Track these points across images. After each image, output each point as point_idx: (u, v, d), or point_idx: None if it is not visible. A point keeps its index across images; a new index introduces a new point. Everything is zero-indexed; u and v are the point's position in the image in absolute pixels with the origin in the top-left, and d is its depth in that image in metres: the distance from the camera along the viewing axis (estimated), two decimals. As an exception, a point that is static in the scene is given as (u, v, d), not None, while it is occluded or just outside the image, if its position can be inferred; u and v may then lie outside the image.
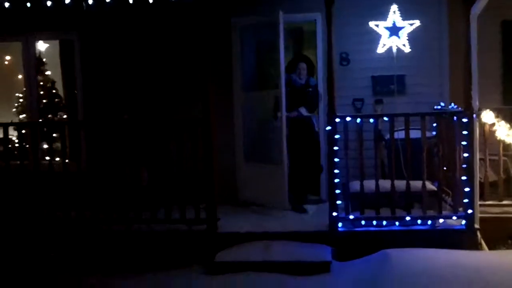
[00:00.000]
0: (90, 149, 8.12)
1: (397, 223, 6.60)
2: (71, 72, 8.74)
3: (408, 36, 7.48)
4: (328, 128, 6.62)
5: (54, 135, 7.84)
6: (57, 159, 7.57)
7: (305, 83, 7.78)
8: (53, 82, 9.78)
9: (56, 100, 9.71)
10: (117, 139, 7.03)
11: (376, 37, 7.23)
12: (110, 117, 8.03)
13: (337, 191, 6.61)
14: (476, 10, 6.53)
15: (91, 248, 6.83)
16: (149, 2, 7.27)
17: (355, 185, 6.72)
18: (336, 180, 6.59)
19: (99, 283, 6.21)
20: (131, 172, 7.05)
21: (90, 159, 8.11)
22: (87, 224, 6.97)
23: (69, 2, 7.34)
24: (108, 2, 7.30)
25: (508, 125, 6.80)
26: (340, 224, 6.62)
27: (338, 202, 6.62)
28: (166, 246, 6.75)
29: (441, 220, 6.62)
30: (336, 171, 6.59)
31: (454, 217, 6.60)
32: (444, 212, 6.65)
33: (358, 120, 6.65)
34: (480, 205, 6.67)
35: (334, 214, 6.60)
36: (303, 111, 7.74)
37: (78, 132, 8.21)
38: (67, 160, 7.24)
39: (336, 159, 6.59)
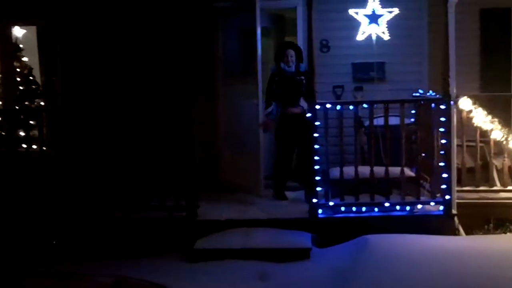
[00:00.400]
0: (69, 137, 8.02)
1: (376, 209, 6.66)
2: (49, 58, 8.63)
3: (387, 24, 7.51)
4: (309, 115, 6.64)
5: (32, 122, 7.76)
6: (34, 146, 7.50)
7: (295, 71, 7.35)
8: (31, 69, 9.64)
9: (33, 87, 9.57)
10: (97, 127, 6.97)
11: (356, 24, 7.26)
12: (90, 104, 7.96)
13: (318, 178, 6.63)
14: (454, -2, 6.60)
15: (70, 236, 6.80)
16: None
17: (335, 172, 6.75)
18: (316, 167, 6.62)
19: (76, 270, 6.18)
20: (112, 160, 7.00)
21: (69, 147, 8.02)
22: (65, 212, 6.93)
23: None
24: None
25: (485, 112, 6.86)
26: (320, 211, 6.65)
27: (319, 188, 6.64)
28: (146, 233, 6.72)
29: (419, 206, 6.70)
30: (316, 157, 6.60)
31: (432, 203, 6.68)
32: (422, 198, 6.73)
33: (338, 107, 6.66)
34: (458, 191, 6.74)
35: (314, 200, 6.63)
36: (303, 103, 7.23)
37: (56, 119, 8.11)
38: (44, 148, 7.18)
39: (316, 146, 6.60)
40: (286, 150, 7.46)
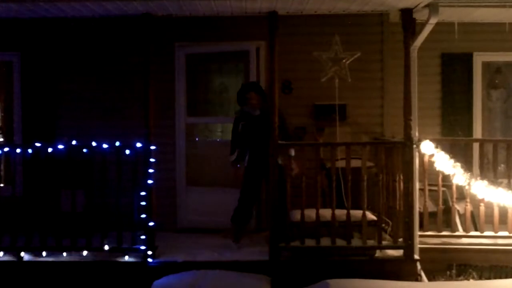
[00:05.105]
0: (27, 173, 7.80)
1: (334, 253, 6.57)
2: (9, 93, 8.47)
3: (350, 67, 7.50)
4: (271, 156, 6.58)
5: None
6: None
7: (260, 113, 7.20)
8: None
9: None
10: (54, 162, 6.81)
11: (318, 66, 7.24)
12: (50, 139, 7.77)
13: (279, 220, 6.53)
14: (417, 42, 6.67)
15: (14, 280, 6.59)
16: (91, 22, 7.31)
17: (296, 214, 6.65)
18: (278, 209, 6.53)
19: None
20: (66, 196, 6.81)
21: (27, 183, 7.79)
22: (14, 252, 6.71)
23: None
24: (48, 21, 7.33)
25: (447, 156, 6.86)
26: (280, 254, 6.52)
27: (279, 231, 6.53)
28: (102, 275, 6.54)
29: (380, 251, 6.62)
30: (277, 199, 6.53)
31: (394, 248, 6.62)
32: (384, 242, 6.65)
33: (300, 148, 6.61)
34: (420, 235, 6.71)
35: (275, 243, 6.51)
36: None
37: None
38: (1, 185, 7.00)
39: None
40: (253, 193, 7.29)
